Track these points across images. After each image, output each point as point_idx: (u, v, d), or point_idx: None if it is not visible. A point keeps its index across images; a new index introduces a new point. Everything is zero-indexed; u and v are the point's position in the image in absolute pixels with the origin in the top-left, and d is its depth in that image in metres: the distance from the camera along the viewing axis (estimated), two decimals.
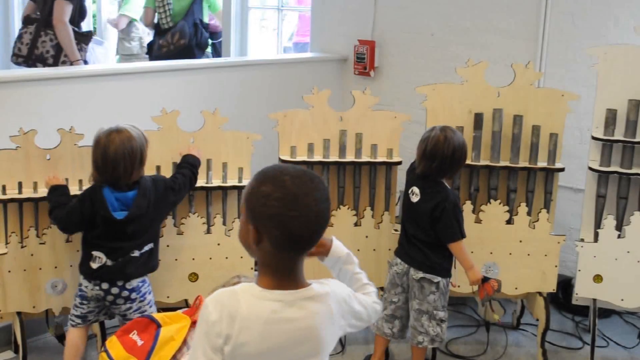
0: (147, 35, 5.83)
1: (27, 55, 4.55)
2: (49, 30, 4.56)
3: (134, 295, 2.87)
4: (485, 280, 3.00)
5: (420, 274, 3.00)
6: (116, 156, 2.73)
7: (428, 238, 3.00)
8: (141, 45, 5.88)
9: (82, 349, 2.96)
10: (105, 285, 2.84)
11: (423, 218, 2.99)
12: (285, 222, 1.50)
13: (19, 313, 3.04)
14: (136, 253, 2.85)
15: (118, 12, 6.07)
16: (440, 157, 2.94)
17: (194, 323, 2.04)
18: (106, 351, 2.45)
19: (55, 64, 4.55)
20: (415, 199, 3.02)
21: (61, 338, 3.26)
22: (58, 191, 2.93)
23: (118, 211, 2.77)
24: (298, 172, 1.54)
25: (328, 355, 1.63)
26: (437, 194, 2.97)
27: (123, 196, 2.79)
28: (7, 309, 3.02)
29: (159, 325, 2.47)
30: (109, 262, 2.82)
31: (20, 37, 4.63)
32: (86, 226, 2.83)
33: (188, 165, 3.06)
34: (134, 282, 2.87)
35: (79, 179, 3.04)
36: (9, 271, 2.97)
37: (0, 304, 3.00)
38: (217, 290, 1.57)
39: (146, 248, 2.89)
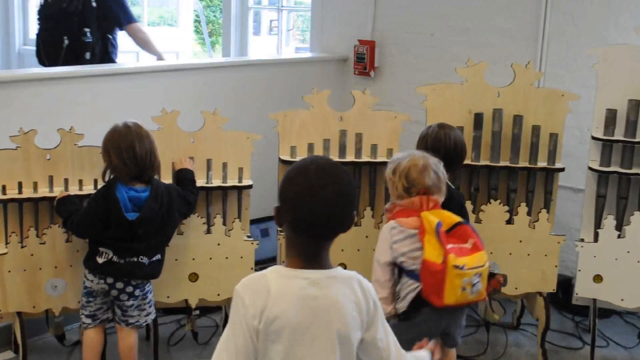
0: None
1: None
2: None
3: (137, 292, 2.88)
4: (491, 276, 2.97)
5: None
6: (150, 147, 2.80)
7: None
8: None
9: (99, 349, 2.95)
10: (110, 280, 2.84)
11: None
12: (297, 208, 1.61)
13: (19, 313, 3.04)
14: (145, 260, 2.84)
15: None
16: (443, 150, 2.93)
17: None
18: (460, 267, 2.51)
19: None
20: None
21: (61, 338, 3.26)
22: (67, 201, 2.94)
23: (130, 212, 2.78)
24: (327, 163, 1.65)
25: (356, 341, 1.66)
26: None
27: (136, 197, 2.79)
28: (7, 309, 3.02)
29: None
30: (115, 259, 2.81)
31: None
32: (100, 226, 2.82)
33: (190, 183, 3.06)
34: (139, 280, 2.88)
35: (79, 179, 3.04)
36: (9, 271, 2.97)
37: (0, 304, 3.00)
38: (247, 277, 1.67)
39: (155, 258, 2.88)
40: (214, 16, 8.13)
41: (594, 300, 3.30)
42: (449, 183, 2.97)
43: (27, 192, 3.01)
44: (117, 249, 2.81)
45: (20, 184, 2.99)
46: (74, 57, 4.48)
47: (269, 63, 4.49)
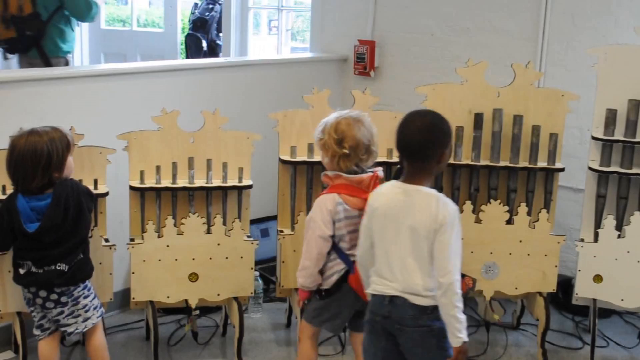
0: None
1: None
2: None
3: (64, 299, 2.78)
4: (461, 277, 2.95)
5: None
6: (19, 158, 2.67)
7: None
8: None
9: None
10: (33, 289, 2.78)
11: None
12: (397, 137, 2.37)
13: (19, 313, 3.03)
14: (63, 267, 2.74)
15: None
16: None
17: None
18: None
19: None
20: None
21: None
22: None
23: (35, 222, 2.69)
24: (421, 109, 2.57)
25: (425, 237, 2.30)
26: None
27: (37, 205, 2.70)
28: (7, 309, 3.02)
29: None
30: (34, 269, 2.74)
31: None
32: (11, 237, 2.75)
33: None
34: (62, 287, 2.78)
35: (79, 178, 3.03)
36: (9, 271, 2.97)
37: (0, 304, 3.00)
38: None
39: (77, 260, 2.78)
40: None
41: (594, 300, 3.30)
42: None
43: None
44: (34, 259, 2.73)
45: None
46: (212, 57, 5.68)
47: (269, 63, 4.49)
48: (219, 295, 3.22)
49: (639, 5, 3.61)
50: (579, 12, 3.76)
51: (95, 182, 3.06)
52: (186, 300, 3.20)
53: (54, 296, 2.78)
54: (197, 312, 3.32)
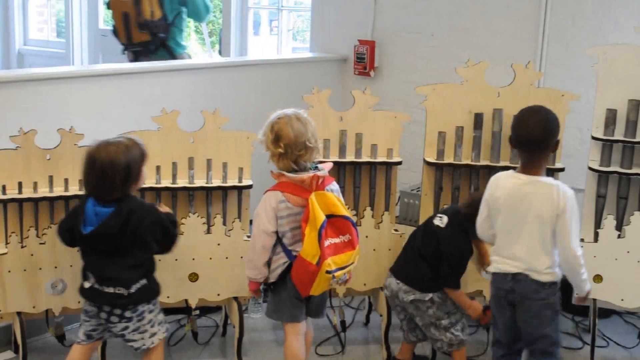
0: None
1: None
2: None
3: (128, 314, 2.69)
4: (486, 308, 3.03)
5: (411, 297, 3.01)
6: (100, 172, 2.60)
7: (430, 256, 3.02)
8: None
9: None
10: (97, 303, 2.72)
11: (434, 241, 3.01)
12: (516, 131, 2.67)
13: (19, 313, 3.04)
14: (123, 291, 2.65)
15: None
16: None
17: None
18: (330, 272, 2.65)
19: None
20: (438, 222, 3.04)
21: (61, 338, 3.25)
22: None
23: (95, 226, 2.63)
24: (536, 106, 2.75)
25: (549, 224, 2.60)
26: (455, 237, 2.99)
27: (102, 211, 2.63)
28: (7, 309, 3.02)
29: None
30: (97, 286, 2.68)
31: None
32: (76, 240, 2.72)
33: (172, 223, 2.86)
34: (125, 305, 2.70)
35: (79, 179, 3.03)
36: (9, 271, 2.98)
37: (0, 304, 3.01)
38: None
39: (137, 286, 2.67)
40: (214, 16, 8.14)
41: (594, 300, 3.30)
42: (467, 230, 2.97)
43: (27, 192, 3.01)
44: (96, 276, 2.68)
45: (20, 184, 2.99)
46: None
47: (268, 63, 4.49)
48: (219, 295, 3.23)
49: (639, 5, 3.61)
50: (579, 12, 3.76)
51: None
52: (186, 300, 3.21)
53: (117, 311, 2.70)
54: (197, 312, 3.32)
